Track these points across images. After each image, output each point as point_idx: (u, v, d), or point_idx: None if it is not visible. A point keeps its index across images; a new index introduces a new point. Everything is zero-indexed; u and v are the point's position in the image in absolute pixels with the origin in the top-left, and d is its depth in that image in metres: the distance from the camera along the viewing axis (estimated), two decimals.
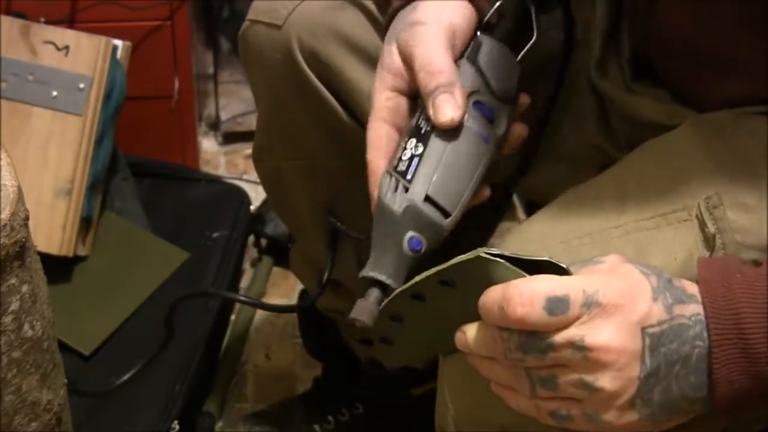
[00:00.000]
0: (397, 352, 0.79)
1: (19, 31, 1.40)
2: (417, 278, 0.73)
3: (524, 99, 0.83)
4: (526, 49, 0.84)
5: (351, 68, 0.96)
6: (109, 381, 1.29)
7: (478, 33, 0.82)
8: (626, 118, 0.91)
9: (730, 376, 0.64)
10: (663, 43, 0.86)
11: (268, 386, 1.46)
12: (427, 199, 0.76)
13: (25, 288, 0.86)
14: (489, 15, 0.83)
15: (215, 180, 1.67)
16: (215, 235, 1.52)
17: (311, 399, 1.34)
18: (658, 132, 0.84)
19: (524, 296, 0.64)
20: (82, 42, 1.40)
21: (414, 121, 0.80)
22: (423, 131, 0.78)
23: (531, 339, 0.65)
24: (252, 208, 1.61)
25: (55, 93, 1.39)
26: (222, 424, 1.38)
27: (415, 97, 0.81)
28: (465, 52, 0.82)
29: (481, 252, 0.68)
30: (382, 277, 0.75)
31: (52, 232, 1.36)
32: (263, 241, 1.61)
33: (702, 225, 0.74)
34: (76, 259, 1.40)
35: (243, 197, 1.61)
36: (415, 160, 0.77)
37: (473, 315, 0.68)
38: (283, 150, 1.06)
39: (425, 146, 0.78)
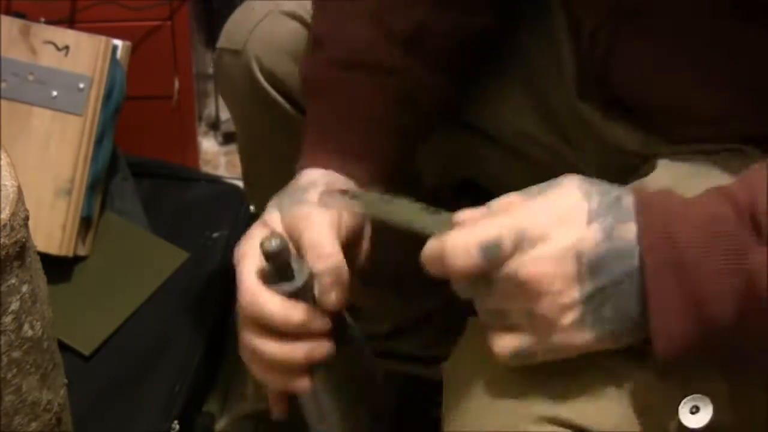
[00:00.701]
0: None
1: (19, 31, 1.40)
2: None
3: None
4: None
5: None
6: (109, 381, 1.29)
7: None
8: (600, 143, 0.91)
9: (663, 285, 0.65)
10: (622, 92, 0.87)
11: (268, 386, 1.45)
12: None
13: (25, 288, 0.86)
14: None
15: (215, 180, 1.67)
16: (215, 235, 1.52)
17: None
18: (629, 158, 0.86)
19: (458, 248, 0.67)
20: (82, 42, 1.40)
21: None
22: None
23: (477, 280, 0.68)
24: (252, 208, 1.61)
25: (55, 93, 1.39)
26: (222, 424, 1.38)
27: None
28: None
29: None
30: None
31: (52, 232, 1.36)
32: None
33: None
34: (76, 259, 1.40)
35: (243, 197, 1.60)
36: None
37: None
38: (266, 171, 1.08)
39: None
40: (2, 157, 0.86)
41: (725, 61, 0.78)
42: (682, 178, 0.79)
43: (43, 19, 1.44)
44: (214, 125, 1.90)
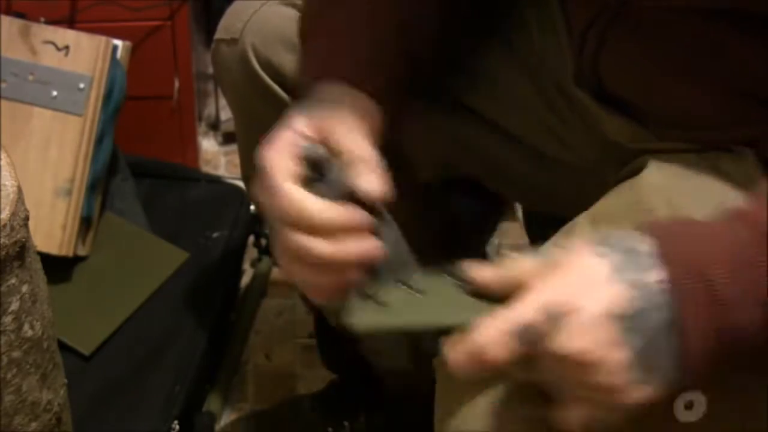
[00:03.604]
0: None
1: (19, 31, 1.40)
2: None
3: None
4: None
5: None
6: (109, 381, 1.29)
7: None
8: (596, 133, 0.91)
9: (695, 318, 0.64)
10: (612, 89, 0.87)
11: (268, 386, 1.46)
12: None
13: (25, 288, 0.86)
14: None
15: (215, 180, 1.67)
16: (215, 235, 1.52)
17: (326, 400, 1.34)
18: (623, 151, 0.85)
19: (494, 341, 0.66)
20: (82, 42, 1.40)
21: None
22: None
23: (526, 364, 0.67)
24: (252, 208, 1.61)
25: (55, 93, 1.39)
26: (222, 424, 1.38)
27: None
28: None
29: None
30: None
31: (52, 232, 1.36)
32: (263, 241, 1.61)
33: None
34: (76, 259, 1.40)
35: (243, 197, 1.61)
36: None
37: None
38: None
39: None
40: (2, 157, 0.86)
41: (710, 65, 0.78)
42: (674, 178, 0.79)
43: (43, 19, 1.44)
44: (214, 125, 1.90)
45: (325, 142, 0.77)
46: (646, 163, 0.81)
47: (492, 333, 0.66)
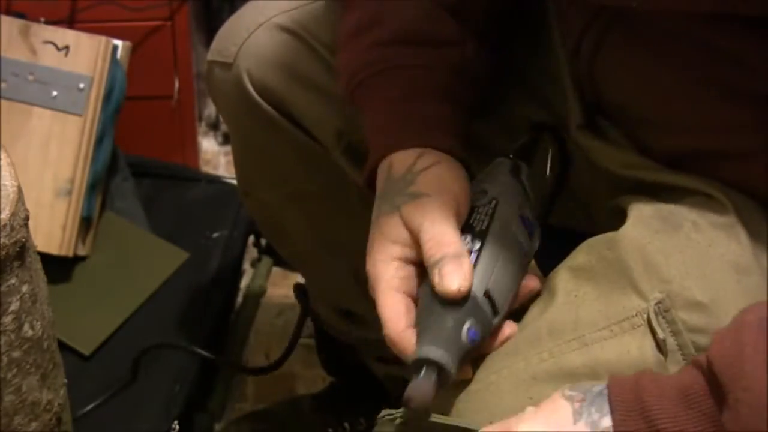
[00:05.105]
0: None
1: (19, 31, 1.40)
2: None
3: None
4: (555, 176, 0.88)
5: (299, 98, 0.99)
6: (109, 381, 1.29)
7: (511, 156, 0.86)
8: (588, 161, 0.91)
9: None
10: (607, 104, 0.87)
11: (268, 386, 1.46)
12: (486, 293, 0.77)
13: (25, 288, 0.86)
14: (522, 142, 0.87)
15: (215, 180, 1.67)
16: (215, 235, 1.52)
17: (326, 400, 1.34)
18: (614, 178, 0.85)
19: None
20: (82, 42, 1.40)
21: (468, 221, 0.81)
22: (478, 230, 0.79)
23: None
24: None
25: (55, 93, 1.39)
26: (222, 424, 1.38)
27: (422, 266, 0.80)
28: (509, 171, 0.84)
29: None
30: (443, 360, 0.74)
31: (52, 232, 1.36)
32: (263, 241, 1.61)
33: (652, 331, 0.75)
34: (76, 259, 1.40)
35: None
36: (474, 254, 0.78)
37: None
38: (262, 181, 1.08)
39: (482, 243, 0.78)
40: (2, 157, 0.86)
41: (706, 67, 0.78)
42: (651, 236, 0.78)
43: (43, 19, 1.44)
44: (214, 125, 1.90)
45: (414, 233, 0.78)
46: (627, 210, 0.81)
47: None
